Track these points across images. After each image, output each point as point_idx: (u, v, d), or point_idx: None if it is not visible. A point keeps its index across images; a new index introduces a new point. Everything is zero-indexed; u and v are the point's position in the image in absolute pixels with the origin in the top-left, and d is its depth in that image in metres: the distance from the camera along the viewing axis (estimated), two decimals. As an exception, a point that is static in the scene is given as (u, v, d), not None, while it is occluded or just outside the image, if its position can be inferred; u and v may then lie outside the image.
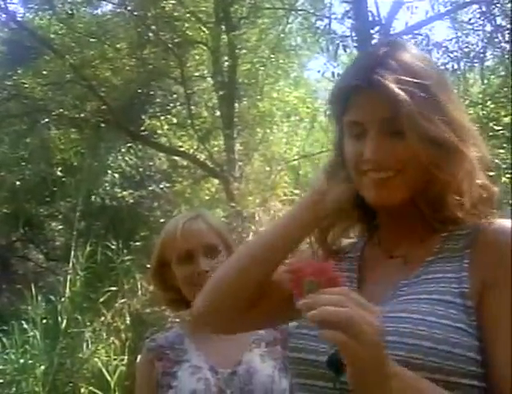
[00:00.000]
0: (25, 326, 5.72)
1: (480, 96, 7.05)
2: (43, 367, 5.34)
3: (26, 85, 8.15)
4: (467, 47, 7.13)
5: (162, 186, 8.82)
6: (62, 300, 5.99)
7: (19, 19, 9.20)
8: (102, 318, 5.97)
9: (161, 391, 1.65)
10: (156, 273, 1.75)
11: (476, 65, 7.40)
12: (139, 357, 1.86)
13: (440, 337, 0.92)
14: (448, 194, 1.03)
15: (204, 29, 8.39)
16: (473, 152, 1.03)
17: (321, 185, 1.13)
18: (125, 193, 8.58)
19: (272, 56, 8.76)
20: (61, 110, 8.23)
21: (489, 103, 6.57)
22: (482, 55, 7.07)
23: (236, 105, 8.25)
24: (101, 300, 6.05)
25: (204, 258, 1.64)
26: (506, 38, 6.60)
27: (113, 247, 6.43)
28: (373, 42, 6.71)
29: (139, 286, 6.28)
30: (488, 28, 6.95)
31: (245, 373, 1.61)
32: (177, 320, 4.71)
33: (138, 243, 7.36)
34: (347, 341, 0.80)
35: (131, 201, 8.51)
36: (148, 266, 5.20)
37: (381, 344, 0.83)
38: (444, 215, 1.05)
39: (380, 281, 1.07)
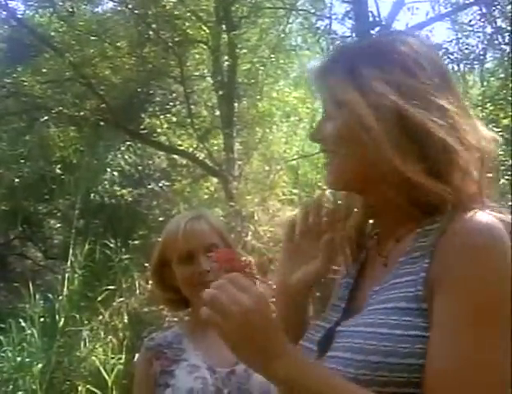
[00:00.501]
0: (23, 324, 5.72)
1: (479, 98, 7.06)
2: (40, 365, 5.33)
3: (26, 83, 8.13)
4: (467, 48, 7.14)
5: (161, 185, 8.81)
6: (60, 298, 5.99)
7: (19, 16, 9.19)
8: (100, 317, 5.97)
9: (158, 390, 1.65)
10: (156, 273, 1.75)
11: (476, 67, 7.42)
12: (137, 356, 1.87)
13: (388, 350, 0.90)
14: (421, 183, 0.95)
15: (205, 28, 8.38)
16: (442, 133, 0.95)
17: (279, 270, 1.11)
18: (124, 191, 8.58)
19: (272, 56, 8.75)
20: (60, 108, 8.21)
21: (488, 105, 6.57)
22: (481, 57, 7.08)
23: (236, 105, 8.25)
24: (99, 298, 6.05)
25: (205, 257, 1.65)
26: (506, 40, 6.61)
27: (112, 245, 6.43)
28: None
29: (138, 285, 6.28)
30: (488, 30, 6.96)
31: (243, 373, 1.61)
32: (175, 319, 4.71)
33: (136, 242, 7.35)
34: (213, 317, 0.89)
35: (130, 199, 8.51)
36: (147, 265, 5.21)
37: (249, 323, 0.87)
38: (421, 208, 0.98)
39: (368, 287, 1.04)
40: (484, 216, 0.92)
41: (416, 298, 0.92)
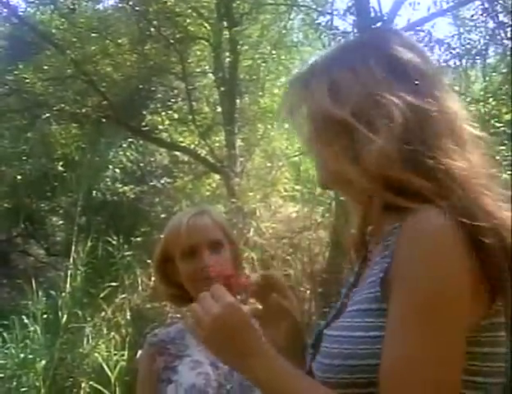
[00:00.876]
0: (26, 321, 5.74)
1: (481, 93, 7.04)
2: (43, 362, 5.35)
3: (27, 80, 8.13)
4: (469, 44, 7.12)
5: (163, 182, 8.82)
6: (63, 295, 6.00)
7: (20, 14, 9.19)
8: (103, 314, 5.98)
9: (161, 386, 1.66)
10: (159, 268, 1.75)
11: (478, 62, 7.39)
12: (139, 352, 1.87)
13: (348, 352, 0.92)
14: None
15: (206, 24, 8.37)
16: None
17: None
18: (126, 188, 8.59)
19: (274, 52, 8.75)
20: (62, 105, 8.22)
21: (490, 100, 6.56)
22: (483, 52, 7.06)
23: (237, 101, 8.24)
24: (101, 295, 6.05)
25: (208, 253, 1.65)
26: (508, 35, 6.58)
27: (114, 242, 6.44)
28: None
29: (140, 282, 6.29)
30: (490, 24, 6.93)
31: None
32: (177, 316, 4.71)
33: (138, 238, 7.36)
34: (193, 326, 1.01)
35: (132, 196, 8.51)
36: (149, 261, 5.21)
37: (219, 329, 0.96)
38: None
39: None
40: (433, 216, 0.89)
41: (376, 299, 0.93)
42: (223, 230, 1.72)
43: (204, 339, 0.98)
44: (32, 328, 5.66)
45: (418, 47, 1.06)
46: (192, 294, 1.68)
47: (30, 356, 5.42)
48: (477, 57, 7.13)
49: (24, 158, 9.08)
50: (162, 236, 1.76)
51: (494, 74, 7.31)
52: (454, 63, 7.02)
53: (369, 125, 0.95)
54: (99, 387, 5.08)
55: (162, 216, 7.37)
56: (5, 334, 5.73)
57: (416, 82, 0.98)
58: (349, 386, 0.91)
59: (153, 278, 5.86)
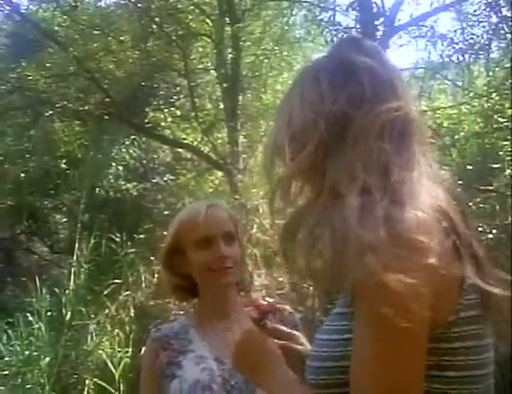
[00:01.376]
0: (30, 318, 5.75)
1: (485, 88, 7.02)
2: (47, 359, 5.36)
3: (30, 78, 8.14)
4: (472, 38, 7.10)
5: (165, 179, 8.82)
6: (66, 292, 6.01)
7: (22, 11, 9.20)
8: (107, 311, 5.98)
9: (165, 381, 1.66)
10: (167, 259, 1.76)
11: (481, 57, 7.38)
12: (144, 348, 1.88)
13: (326, 355, 0.99)
14: None
15: (208, 21, 8.36)
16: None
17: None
18: (128, 185, 8.58)
19: (276, 48, 8.73)
20: (64, 102, 8.21)
21: (494, 95, 6.54)
22: (487, 47, 7.04)
23: (240, 97, 8.23)
24: (105, 292, 6.06)
25: (223, 243, 1.68)
26: (512, 30, 6.57)
27: (117, 240, 6.44)
28: (378, 33, 6.69)
29: (143, 279, 6.29)
30: (494, 19, 6.91)
31: None
32: (181, 313, 4.72)
33: (142, 235, 7.37)
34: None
35: (135, 194, 8.52)
36: (153, 258, 5.20)
37: (238, 353, 1.22)
38: None
39: None
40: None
41: (349, 303, 0.95)
42: (235, 223, 1.76)
43: (233, 362, 1.27)
44: (36, 326, 5.68)
45: (375, 52, 1.10)
46: (201, 284, 1.72)
47: (35, 353, 5.44)
48: (481, 52, 7.12)
49: (27, 155, 9.09)
50: (171, 227, 1.76)
51: (497, 69, 7.30)
52: (458, 58, 7.02)
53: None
54: (103, 384, 5.09)
55: (165, 213, 7.36)
56: (10, 331, 5.75)
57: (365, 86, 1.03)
58: (328, 386, 0.97)
59: (156, 275, 5.87)
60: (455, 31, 7.23)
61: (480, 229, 5.22)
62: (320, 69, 1.09)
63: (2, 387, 5.25)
